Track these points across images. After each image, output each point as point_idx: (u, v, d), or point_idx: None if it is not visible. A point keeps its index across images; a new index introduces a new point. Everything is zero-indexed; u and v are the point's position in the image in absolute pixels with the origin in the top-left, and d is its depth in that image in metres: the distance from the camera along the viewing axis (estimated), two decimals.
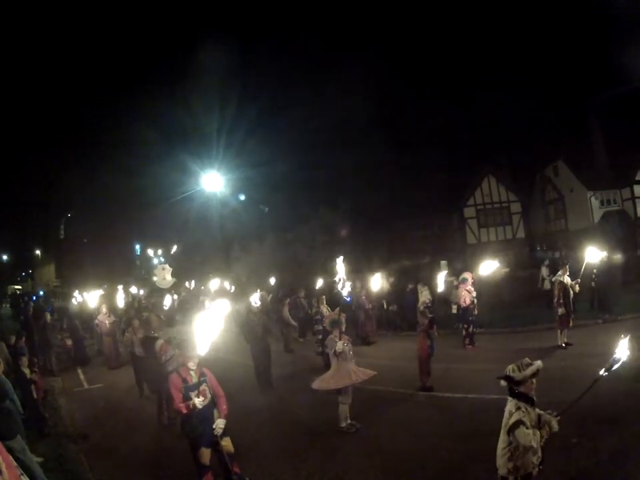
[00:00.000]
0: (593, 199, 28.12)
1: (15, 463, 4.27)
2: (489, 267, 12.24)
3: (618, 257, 14.39)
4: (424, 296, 9.11)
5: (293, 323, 14.83)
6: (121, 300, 17.25)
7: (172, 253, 41.33)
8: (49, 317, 14.60)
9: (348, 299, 11.87)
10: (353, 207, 29.08)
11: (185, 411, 5.15)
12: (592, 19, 27.28)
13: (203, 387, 5.28)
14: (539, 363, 3.71)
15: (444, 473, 5.58)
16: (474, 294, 11.98)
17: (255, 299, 10.84)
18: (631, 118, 25.19)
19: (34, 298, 33.28)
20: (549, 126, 30.57)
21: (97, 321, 15.17)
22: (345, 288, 8.13)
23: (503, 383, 3.76)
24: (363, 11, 39.24)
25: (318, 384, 7.21)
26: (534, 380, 3.70)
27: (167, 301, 17.63)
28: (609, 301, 13.00)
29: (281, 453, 6.57)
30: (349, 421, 7.10)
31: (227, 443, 5.35)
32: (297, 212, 30.36)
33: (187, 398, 5.16)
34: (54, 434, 8.14)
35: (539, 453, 3.65)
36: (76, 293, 24.69)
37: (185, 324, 11.66)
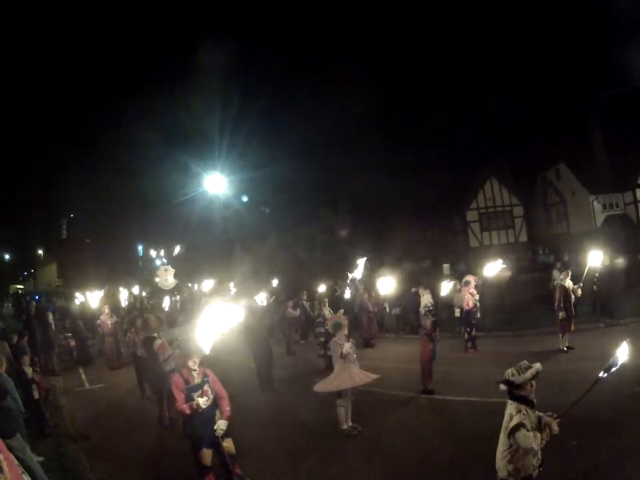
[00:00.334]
0: (595, 202, 28.09)
1: (16, 462, 4.28)
2: (493, 267, 12.21)
3: (620, 260, 14.41)
4: (425, 299, 9.13)
5: (295, 312, 14.89)
6: (123, 300, 17.30)
7: (174, 254, 41.33)
8: (50, 316, 14.64)
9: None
10: (354, 208, 29.12)
11: (188, 412, 5.12)
12: (592, 18, 27.32)
13: (206, 387, 5.27)
14: (537, 366, 3.72)
15: (444, 475, 5.58)
16: (477, 297, 11.96)
17: (262, 298, 10.86)
18: (631, 118, 25.15)
19: (36, 297, 33.37)
20: (548, 127, 30.61)
21: (99, 321, 15.19)
22: (352, 289, 8.15)
23: (502, 387, 3.77)
24: (363, 11, 39.28)
25: (320, 386, 7.20)
26: (533, 382, 3.71)
27: (166, 302, 17.66)
28: (611, 304, 12.98)
29: (281, 454, 6.57)
30: (351, 424, 7.10)
31: (228, 444, 5.35)
32: (298, 213, 30.43)
33: (189, 399, 5.14)
34: (55, 433, 8.14)
35: (539, 455, 3.67)
36: (77, 294, 24.72)
37: (186, 324, 11.67)
